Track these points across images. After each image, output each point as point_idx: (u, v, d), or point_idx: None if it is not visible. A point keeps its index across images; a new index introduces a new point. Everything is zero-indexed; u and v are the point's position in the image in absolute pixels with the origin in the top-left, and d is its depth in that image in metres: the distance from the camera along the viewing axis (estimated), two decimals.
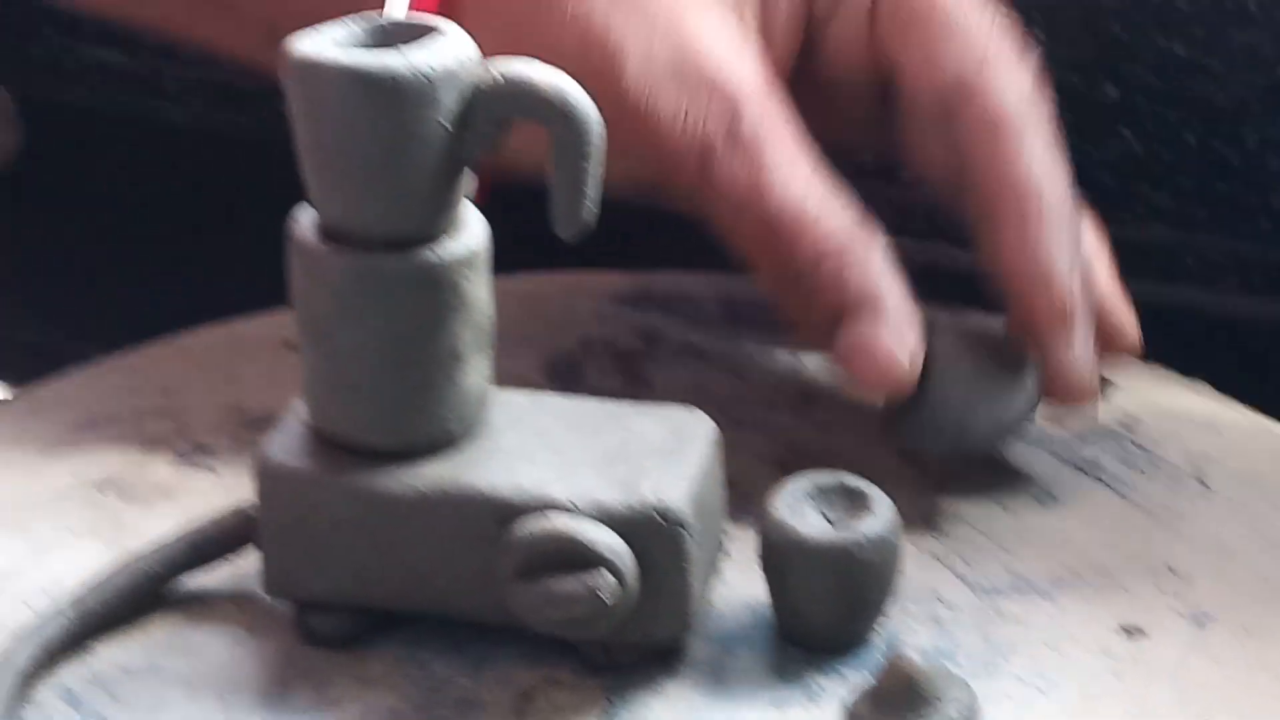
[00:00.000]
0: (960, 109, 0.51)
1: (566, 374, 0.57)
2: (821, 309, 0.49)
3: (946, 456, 0.49)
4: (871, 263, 0.49)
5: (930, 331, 0.49)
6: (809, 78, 0.55)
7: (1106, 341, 0.52)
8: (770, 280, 0.50)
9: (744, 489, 0.51)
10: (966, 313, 0.52)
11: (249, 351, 0.59)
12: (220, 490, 0.51)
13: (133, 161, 0.90)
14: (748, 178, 0.49)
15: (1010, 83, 0.51)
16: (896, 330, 0.48)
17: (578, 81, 0.47)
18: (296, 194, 0.55)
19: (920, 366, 0.48)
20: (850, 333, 0.48)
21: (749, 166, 0.49)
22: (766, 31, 0.53)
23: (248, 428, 0.55)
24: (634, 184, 0.51)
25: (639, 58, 0.51)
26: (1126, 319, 0.53)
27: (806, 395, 0.55)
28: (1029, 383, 0.50)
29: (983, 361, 0.50)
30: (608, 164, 0.50)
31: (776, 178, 0.49)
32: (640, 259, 0.63)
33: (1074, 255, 0.49)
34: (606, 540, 0.42)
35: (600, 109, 0.49)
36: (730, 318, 0.60)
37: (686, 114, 0.50)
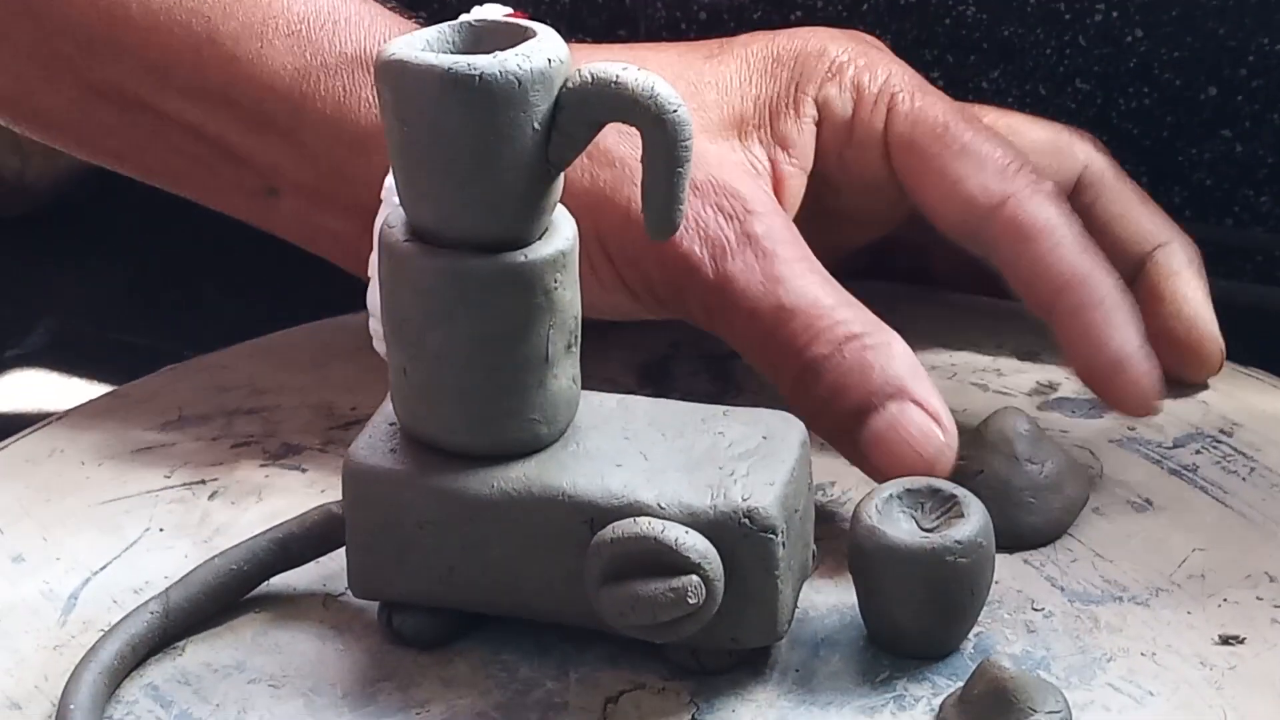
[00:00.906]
0: (990, 230, 0.52)
1: (657, 376, 0.57)
2: (845, 399, 0.48)
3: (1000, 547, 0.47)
4: (894, 347, 0.48)
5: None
6: (822, 206, 0.55)
7: (1194, 365, 0.54)
8: (789, 376, 0.49)
9: (832, 492, 0.50)
10: None
11: (337, 351, 0.59)
12: (309, 489, 0.52)
13: None
14: (763, 271, 0.49)
15: (1033, 197, 0.52)
16: (930, 410, 0.47)
17: (592, 189, 0.48)
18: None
19: (955, 451, 0.47)
20: (879, 418, 0.47)
21: (763, 261, 0.50)
22: (775, 162, 0.54)
23: (336, 427, 0.55)
24: (648, 295, 0.52)
25: None
26: (1212, 343, 0.54)
27: None
28: (1078, 474, 0.49)
29: (1034, 451, 0.48)
30: (625, 285, 0.51)
31: (791, 271, 0.50)
32: None
33: (1138, 331, 0.50)
34: (695, 544, 0.41)
35: (610, 220, 0.50)
36: None
37: (699, 218, 0.50)
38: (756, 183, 0.52)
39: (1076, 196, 0.55)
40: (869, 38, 0.57)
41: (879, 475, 0.47)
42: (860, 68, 0.54)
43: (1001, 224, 0.52)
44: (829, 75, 0.54)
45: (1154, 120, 0.69)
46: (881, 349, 0.48)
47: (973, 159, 0.53)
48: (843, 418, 0.48)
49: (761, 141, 0.53)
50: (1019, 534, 0.47)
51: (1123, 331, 0.50)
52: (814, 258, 0.50)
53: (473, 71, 0.40)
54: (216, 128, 0.54)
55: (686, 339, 0.58)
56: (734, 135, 0.53)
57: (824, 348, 0.48)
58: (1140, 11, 0.68)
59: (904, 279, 0.60)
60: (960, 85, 0.71)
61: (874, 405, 0.47)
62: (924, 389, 0.48)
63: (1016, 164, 0.53)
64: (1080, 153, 0.56)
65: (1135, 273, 0.54)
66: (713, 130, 0.53)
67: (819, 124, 0.54)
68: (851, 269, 0.54)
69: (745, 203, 0.51)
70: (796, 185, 0.54)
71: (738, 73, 0.54)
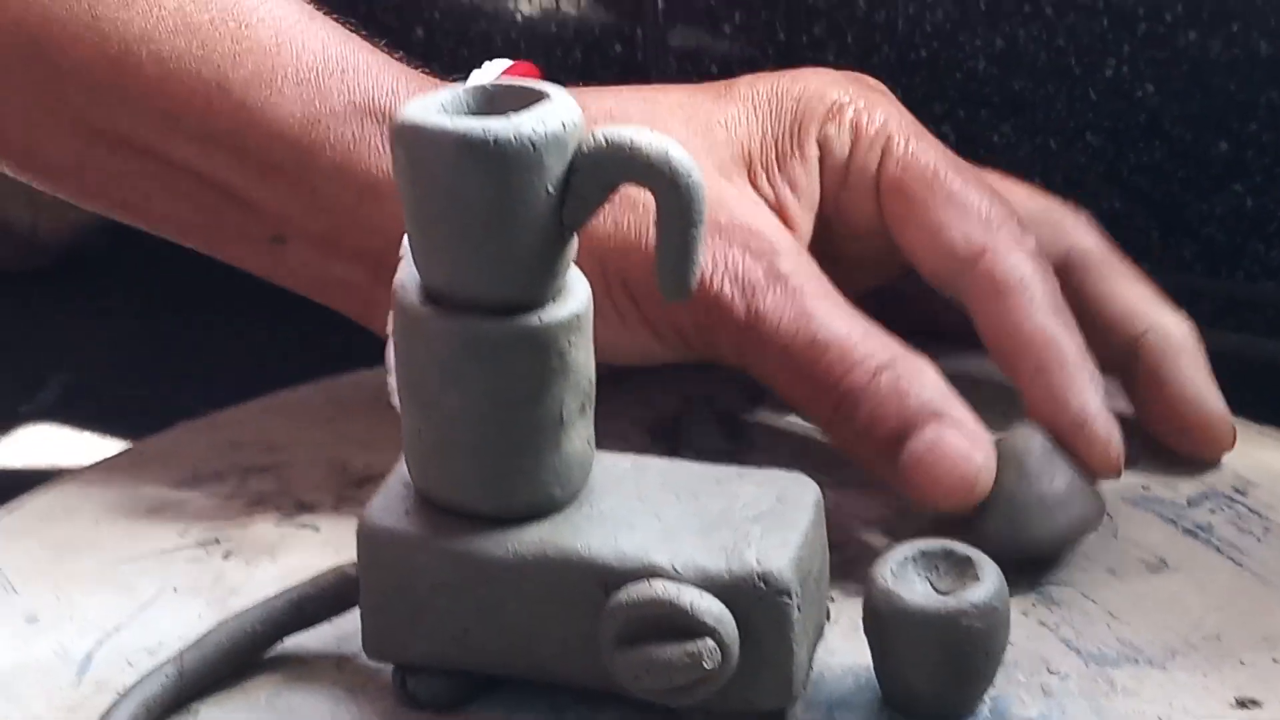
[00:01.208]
0: (966, 280, 0.52)
1: (668, 433, 0.57)
2: (882, 425, 0.49)
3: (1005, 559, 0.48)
4: (927, 374, 0.49)
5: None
6: (824, 246, 0.55)
7: (1207, 446, 0.54)
8: (827, 408, 0.50)
9: (846, 553, 0.50)
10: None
11: (351, 409, 0.59)
12: (323, 549, 0.51)
13: None
14: (794, 307, 0.50)
15: (1012, 252, 0.52)
16: (967, 432, 0.48)
17: (615, 233, 0.47)
18: None
19: (994, 470, 0.48)
20: (918, 441, 0.48)
21: (794, 297, 0.50)
22: (783, 203, 0.54)
23: (350, 485, 0.55)
24: (675, 336, 0.52)
25: None
26: (1223, 423, 0.54)
27: None
28: (1090, 495, 0.50)
29: (1044, 468, 0.49)
30: (651, 328, 0.52)
31: (820, 306, 0.50)
32: None
33: (1099, 393, 0.50)
34: (710, 608, 0.41)
35: (636, 264, 0.50)
36: None
37: (728, 258, 0.51)
38: (776, 221, 0.53)
39: (1066, 273, 0.55)
40: (871, 80, 0.57)
41: (921, 497, 0.48)
42: (859, 110, 0.55)
43: (977, 276, 0.52)
44: (829, 116, 0.55)
45: (1165, 175, 0.69)
46: (915, 376, 0.49)
47: (958, 207, 0.53)
48: (882, 444, 0.49)
49: (770, 181, 0.54)
50: (1021, 547, 0.48)
51: (1085, 393, 0.50)
52: (839, 292, 0.51)
53: (487, 135, 0.40)
54: (225, 175, 0.54)
55: (698, 394, 0.58)
56: (744, 174, 0.54)
57: (860, 378, 0.49)
58: (1151, 66, 0.68)
59: (909, 331, 0.61)
60: (971, 140, 0.72)
61: (911, 430, 0.48)
62: (959, 411, 0.49)
63: (1001, 216, 0.53)
64: (1072, 228, 0.56)
65: (1128, 353, 0.54)
66: (725, 169, 0.53)
67: (821, 164, 0.55)
68: None
69: (771, 242, 0.51)
70: (806, 225, 0.54)
71: (744, 112, 0.55)
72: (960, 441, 0.48)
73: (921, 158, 0.54)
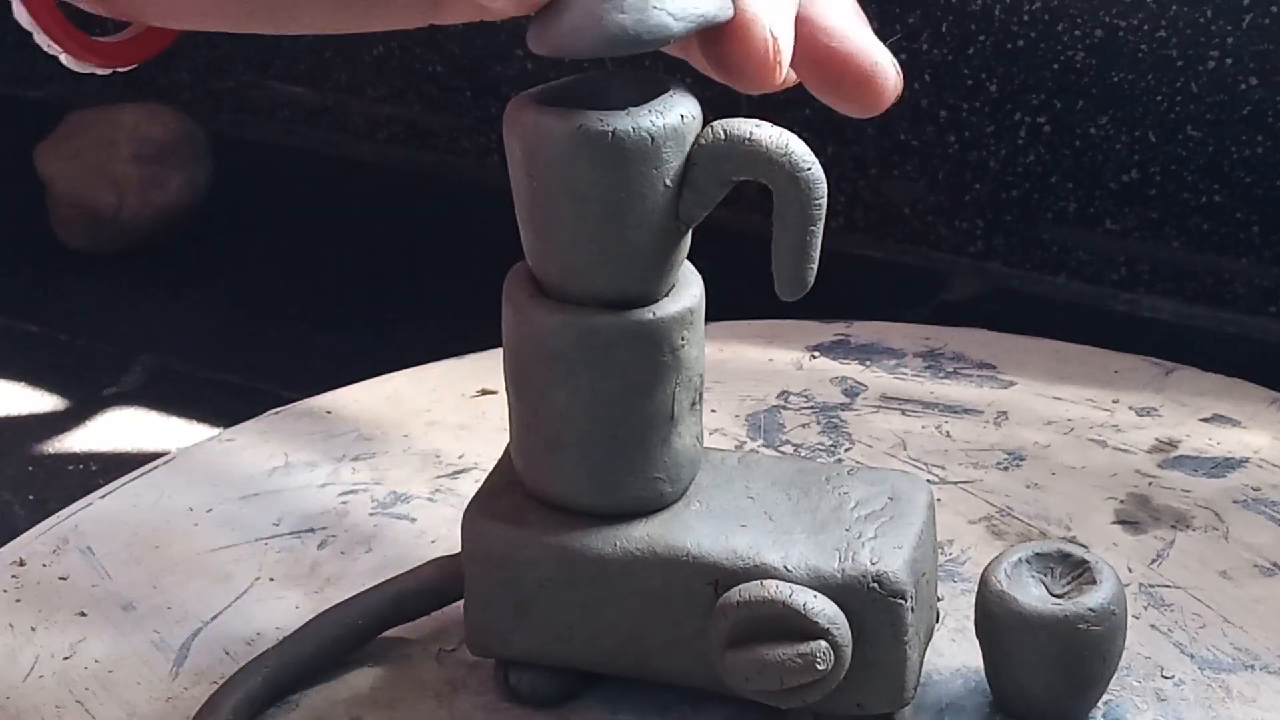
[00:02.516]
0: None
1: (767, 426, 0.56)
2: None
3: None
4: None
5: None
6: None
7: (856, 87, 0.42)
8: None
9: (951, 550, 0.49)
10: None
11: (444, 398, 0.58)
12: (418, 540, 0.51)
13: (320, 196, 0.90)
14: None
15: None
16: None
17: None
18: (484, 232, 0.55)
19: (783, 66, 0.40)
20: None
21: None
22: None
23: (444, 476, 0.54)
24: None
25: None
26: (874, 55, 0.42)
27: (1014, 453, 0.54)
28: None
29: None
30: None
31: None
32: (839, 308, 0.62)
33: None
34: (824, 609, 0.40)
35: None
36: (933, 369, 0.59)
37: None
38: None
39: None
40: None
41: (719, 66, 0.40)
42: None
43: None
44: None
45: (1267, 168, 0.68)
46: None
47: None
48: None
49: None
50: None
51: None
52: None
53: (606, 128, 0.39)
54: None
55: (795, 389, 0.58)
56: None
57: None
58: (1254, 59, 0.67)
59: None
60: (1068, 130, 0.71)
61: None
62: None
63: None
64: None
65: None
66: None
67: None
68: None
69: None
70: None
71: None
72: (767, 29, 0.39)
73: None
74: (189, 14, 0.49)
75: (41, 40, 0.48)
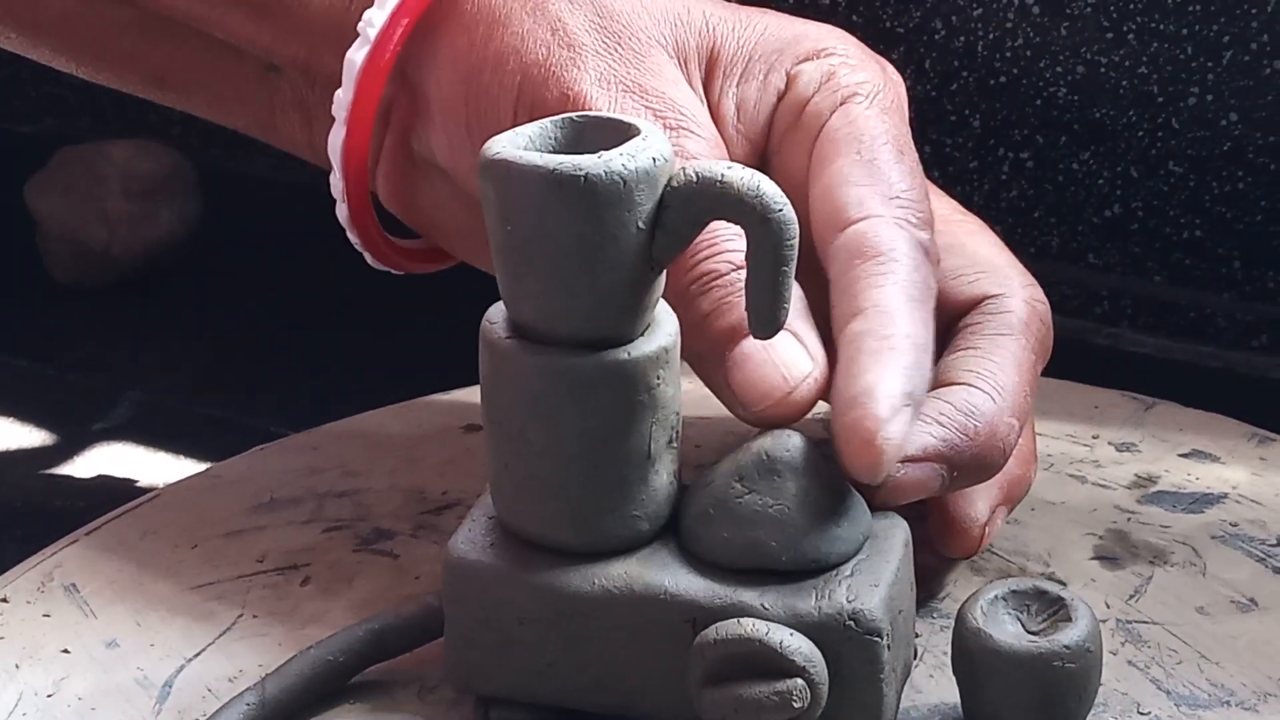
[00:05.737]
0: (839, 241, 0.46)
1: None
2: (723, 318, 0.45)
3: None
4: None
5: None
6: None
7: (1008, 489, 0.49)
8: (677, 286, 0.46)
9: (931, 588, 0.50)
10: None
11: (428, 434, 0.59)
12: (401, 576, 0.51)
13: (311, 233, 0.91)
14: None
15: (897, 228, 0.46)
16: (804, 342, 0.44)
17: (539, 76, 0.47)
18: (471, 272, 0.56)
19: (821, 383, 0.43)
20: (751, 341, 0.44)
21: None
22: (720, 114, 0.50)
23: (428, 512, 0.54)
24: None
25: (599, 70, 0.49)
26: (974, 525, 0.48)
27: None
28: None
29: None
30: None
31: None
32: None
33: (906, 384, 0.43)
34: (800, 647, 0.41)
35: (547, 98, 0.48)
36: None
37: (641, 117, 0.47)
38: (705, 113, 0.49)
39: (964, 317, 0.49)
40: (892, 70, 0.52)
41: (739, 401, 0.45)
42: (844, 62, 0.50)
43: (849, 235, 0.46)
44: (812, 55, 0.50)
45: (1248, 203, 0.69)
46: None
47: (873, 174, 0.47)
48: (716, 337, 0.45)
49: (720, 89, 0.50)
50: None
51: (885, 372, 0.43)
52: None
53: (578, 172, 0.40)
54: (215, 14, 0.53)
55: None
56: (700, 70, 0.50)
57: (719, 266, 0.46)
58: (1234, 95, 0.68)
59: None
60: (1050, 166, 0.71)
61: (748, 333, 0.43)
62: (801, 325, 0.45)
63: (910, 201, 0.47)
64: (1007, 289, 0.49)
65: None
66: (683, 51, 0.50)
67: (779, 98, 0.50)
68: None
69: (688, 120, 0.48)
70: (734, 148, 0.50)
71: (740, 22, 0.51)
72: (793, 350, 0.44)
73: (872, 122, 0.49)
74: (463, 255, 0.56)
75: (354, 239, 0.55)
